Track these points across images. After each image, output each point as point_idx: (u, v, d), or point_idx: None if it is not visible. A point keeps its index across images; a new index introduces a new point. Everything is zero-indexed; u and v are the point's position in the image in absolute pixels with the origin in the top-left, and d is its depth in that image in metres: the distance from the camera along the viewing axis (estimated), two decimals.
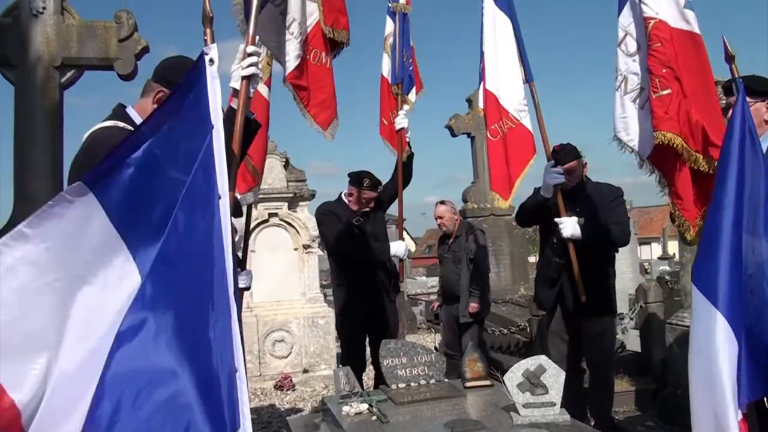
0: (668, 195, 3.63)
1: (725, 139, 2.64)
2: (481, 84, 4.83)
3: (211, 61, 2.03)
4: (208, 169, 1.91)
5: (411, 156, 5.31)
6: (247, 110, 2.88)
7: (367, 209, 5.30)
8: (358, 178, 5.22)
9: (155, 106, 2.61)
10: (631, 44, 3.71)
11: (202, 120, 1.94)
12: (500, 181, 4.81)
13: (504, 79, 4.75)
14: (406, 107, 5.25)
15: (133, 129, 2.51)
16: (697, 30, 3.46)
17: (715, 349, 2.39)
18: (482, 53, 4.79)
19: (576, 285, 4.47)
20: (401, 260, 5.36)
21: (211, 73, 2.01)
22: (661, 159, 3.59)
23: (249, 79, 2.83)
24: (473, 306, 6.24)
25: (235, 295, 1.91)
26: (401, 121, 5.14)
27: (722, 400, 2.33)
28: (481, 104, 4.97)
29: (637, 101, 3.69)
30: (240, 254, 4.75)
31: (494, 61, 4.76)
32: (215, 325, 1.82)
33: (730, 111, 2.81)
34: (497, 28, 4.76)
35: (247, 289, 4.08)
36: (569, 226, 4.35)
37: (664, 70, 3.43)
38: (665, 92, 3.42)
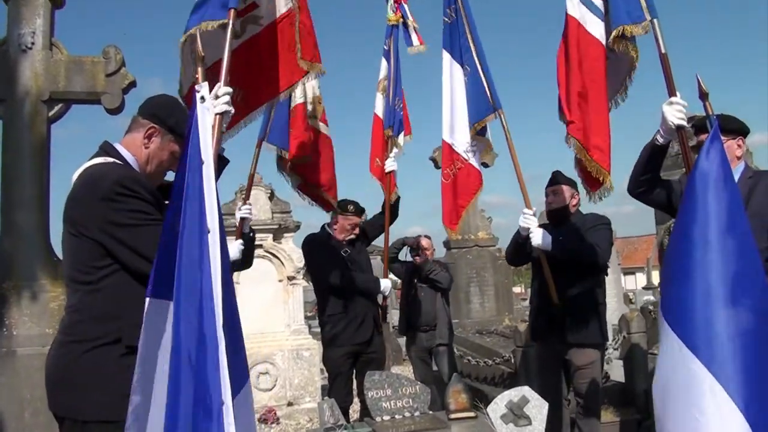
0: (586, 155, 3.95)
1: (695, 176, 2.70)
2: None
3: (203, 98, 2.08)
4: (197, 203, 1.95)
5: (398, 199, 5.53)
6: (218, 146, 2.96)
7: (352, 236, 5.36)
8: (342, 205, 5.38)
9: (146, 141, 2.63)
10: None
11: (193, 155, 1.99)
12: (448, 215, 5.15)
13: (458, 127, 5.10)
14: (395, 150, 5.46)
15: (121, 162, 2.55)
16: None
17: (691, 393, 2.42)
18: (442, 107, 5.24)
19: (553, 303, 4.52)
20: (385, 297, 5.45)
21: (202, 109, 2.06)
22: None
23: (222, 116, 2.89)
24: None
25: (227, 326, 1.94)
26: (391, 165, 5.35)
27: None
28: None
29: None
30: None
31: (450, 114, 5.16)
32: (203, 359, 1.85)
33: (702, 149, 2.87)
34: (454, 81, 5.11)
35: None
36: (537, 235, 4.39)
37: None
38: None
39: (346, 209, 5.38)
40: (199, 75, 2.25)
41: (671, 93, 3.19)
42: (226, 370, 1.87)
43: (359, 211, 5.44)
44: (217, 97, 2.82)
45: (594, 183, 4.01)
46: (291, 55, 3.92)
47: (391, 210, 5.40)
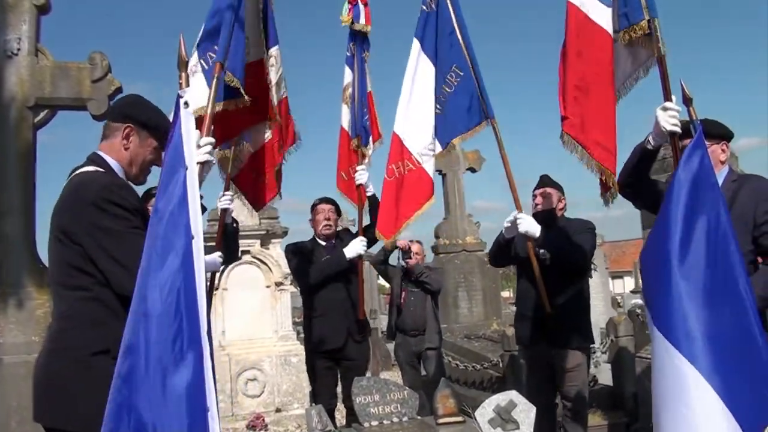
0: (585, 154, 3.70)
1: (675, 180, 2.72)
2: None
3: (186, 104, 2.08)
4: (181, 209, 1.95)
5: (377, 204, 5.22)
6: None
7: (333, 228, 5.32)
8: (313, 204, 5.41)
9: (124, 142, 2.63)
10: None
11: (177, 161, 1.99)
12: (385, 220, 4.79)
13: (413, 122, 4.78)
14: (365, 161, 5.16)
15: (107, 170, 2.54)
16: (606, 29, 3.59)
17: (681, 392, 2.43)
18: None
19: (546, 313, 4.48)
20: (361, 257, 5.19)
21: (186, 114, 2.06)
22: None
23: (203, 165, 2.92)
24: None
25: (208, 335, 1.93)
26: (361, 176, 5.05)
27: None
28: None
29: None
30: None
31: (406, 105, 4.81)
32: (187, 364, 1.84)
33: (685, 152, 2.89)
34: (417, 72, 4.80)
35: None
36: (526, 221, 4.34)
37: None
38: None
39: (314, 204, 5.39)
40: (183, 80, 2.25)
41: (666, 97, 3.13)
42: (210, 376, 1.87)
43: (329, 200, 5.39)
44: (198, 146, 2.85)
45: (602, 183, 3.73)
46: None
47: (375, 206, 5.23)
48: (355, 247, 5.04)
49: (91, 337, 2.39)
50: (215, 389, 1.94)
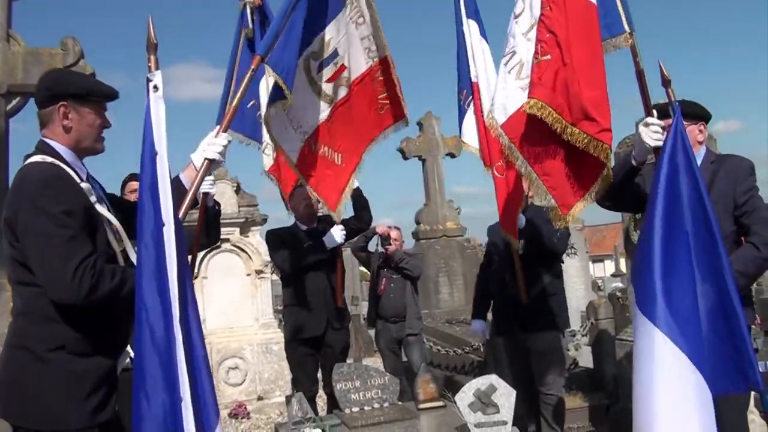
0: (527, 167, 3.47)
1: (661, 158, 2.73)
2: (468, 117, 4.71)
3: (156, 87, 2.03)
4: (152, 195, 1.90)
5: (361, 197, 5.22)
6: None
7: (313, 211, 5.26)
8: (293, 187, 5.26)
9: (65, 122, 2.50)
10: (525, 21, 3.60)
11: (147, 147, 1.94)
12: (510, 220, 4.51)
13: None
14: None
15: (59, 160, 2.45)
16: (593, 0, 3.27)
17: (656, 367, 2.46)
18: (470, 82, 4.64)
19: (520, 296, 4.58)
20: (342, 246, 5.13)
21: (155, 99, 2.01)
22: (526, 128, 3.45)
23: (211, 162, 2.89)
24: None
25: (182, 321, 1.89)
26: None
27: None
28: (467, 138, 4.79)
29: (508, 66, 3.61)
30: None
31: (487, 90, 4.49)
32: (159, 353, 1.80)
33: (666, 133, 2.89)
34: (485, 54, 4.62)
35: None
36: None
37: (547, 35, 3.29)
38: (545, 58, 3.29)
39: (293, 188, 5.19)
40: (152, 63, 2.19)
41: (647, 112, 3.07)
42: (184, 365, 1.83)
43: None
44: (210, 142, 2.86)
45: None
46: (372, 112, 4.21)
47: (358, 198, 5.20)
48: (334, 236, 4.99)
49: (47, 333, 2.34)
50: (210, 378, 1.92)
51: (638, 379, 2.60)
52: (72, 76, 2.64)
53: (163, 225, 1.87)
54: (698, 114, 3.49)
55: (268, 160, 4.64)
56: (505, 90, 3.57)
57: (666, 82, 3.01)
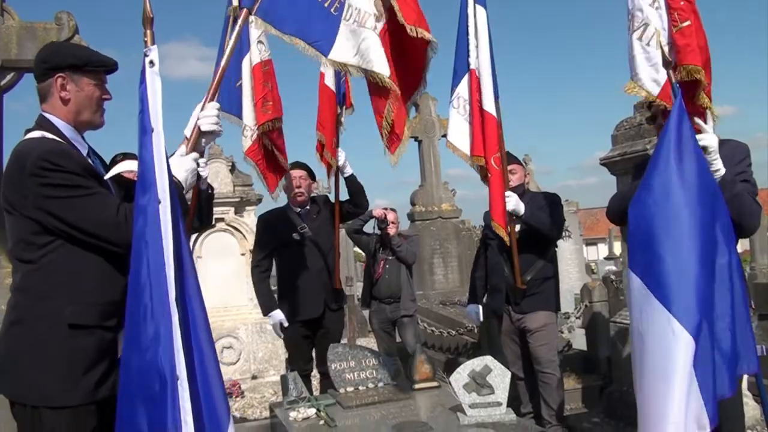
0: None
1: (662, 138, 2.71)
2: (474, 105, 4.46)
3: (152, 63, 1.99)
4: (147, 172, 1.87)
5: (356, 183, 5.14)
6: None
7: (306, 194, 5.19)
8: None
9: (63, 94, 2.47)
10: None
11: (144, 124, 1.91)
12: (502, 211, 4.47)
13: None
14: (341, 129, 4.96)
15: (58, 136, 2.43)
16: None
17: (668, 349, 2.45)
18: (467, 69, 4.48)
19: (516, 281, 4.64)
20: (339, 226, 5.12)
21: (151, 74, 1.97)
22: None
23: (208, 134, 2.79)
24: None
25: (183, 301, 1.87)
26: (339, 158, 4.91)
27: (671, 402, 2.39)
28: (454, 138, 4.57)
29: (643, 39, 3.47)
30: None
31: (488, 80, 4.38)
32: (154, 332, 1.78)
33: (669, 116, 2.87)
34: (486, 44, 4.41)
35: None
36: (513, 200, 4.45)
37: (682, 2, 3.30)
38: (685, 24, 3.28)
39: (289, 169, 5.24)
40: (148, 38, 2.15)
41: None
42: (180, 343, 1.81)
43: (301, 165, 5.23)
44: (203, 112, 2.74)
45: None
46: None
47: (353, 184, 5.13)
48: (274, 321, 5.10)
49: (44, 308, 2.33)
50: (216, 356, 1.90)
51: (646, 361, 2.57)
52: (69, 47, 2.61)
53: (159, 202, 1.85)
54: None
55: (246, 142, 4.52)
56: (650, 61, 3.40)
57: (666, 64, 3.01)
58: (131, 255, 1.95)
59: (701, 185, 2.61)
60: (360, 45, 3.55)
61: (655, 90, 3.37)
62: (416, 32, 3.61)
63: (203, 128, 2.70)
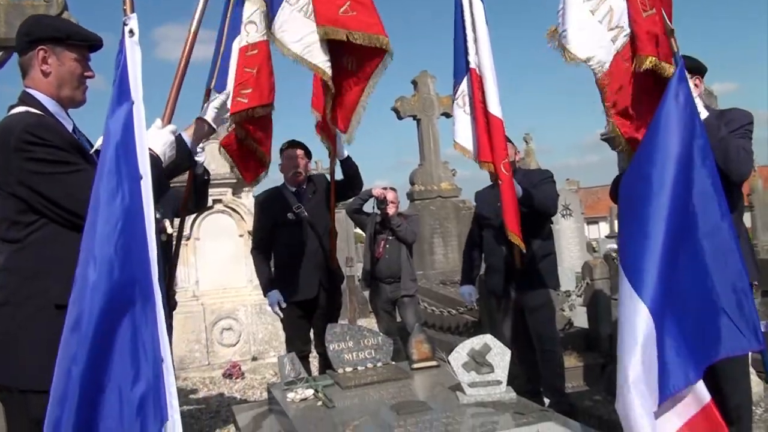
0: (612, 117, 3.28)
1: (661, 109, 2.62)
2: (460, 115, 4.37)
3: (131, 32, 1.91)
4: (128, 146, 1.79)
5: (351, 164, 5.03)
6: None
7: (302, 174, 5.13)
8: (281, 146, 5.19)
9: (44, 67, 2.41)
10: None
11: (122, 95, 1.82)
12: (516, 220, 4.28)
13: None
14: None
15: (42, 111, 2.36)
16: None
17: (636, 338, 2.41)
18: (467, 69, 4.25)
19: (515, 260, 4.59)
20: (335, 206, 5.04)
21: (131, 44, 1.89)
22: (619, 81, 3.27)
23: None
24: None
25: (161, 281, 1.80)
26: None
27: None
28: (460, 138, 4.40)
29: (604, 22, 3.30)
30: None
31: (491, 79, 4.12)
32: (139, 312, 1.72)
33: (669, 85, 2.79)
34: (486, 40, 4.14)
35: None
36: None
37: None
38: (650, 12, 3.15)
39: (282, 148, 5.16)
40: (127, 6, 2.06)
41: None
42: (163, 325, 1.75)
43: (297, 144, 5.16)
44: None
45: None
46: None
47: (348, 165, 5.00)
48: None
49: (31, 289, 2.27)
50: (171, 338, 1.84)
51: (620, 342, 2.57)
52: (52, 20, 2.55)
53: (141, 178, 1.77)
54: (693, 67, 3.39)
55: (222, 131, 4.38)
56: (598, 39, 3.26)
57: (669, 32, 2.92)
58: (113, 233, 1.87)
59: (680, 163, 2.53)
60: (305, 37, 3.56)
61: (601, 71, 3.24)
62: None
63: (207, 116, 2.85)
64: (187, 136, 2.80)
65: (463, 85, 4.30)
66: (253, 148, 4.36)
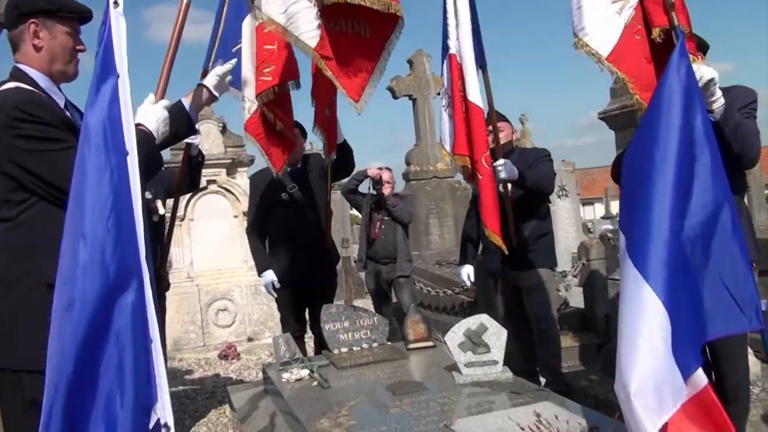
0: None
1: (660, 87, 2.56)
2: (456, 94, 3.95)
3: (116, 2, 1.85)
4: (114, 121, 1.74)
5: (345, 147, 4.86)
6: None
7: (299, 156, 5.06)
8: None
9: (35, 41, 2.35)
10: None
11: (107, 68, 1.77)
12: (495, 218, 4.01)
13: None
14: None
15: (33, 87, 2.31)
16: None
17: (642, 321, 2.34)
18: (447, 53, 3.98)
19: (512, 240, 4.52)
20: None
21: (116, 16, 1.83)
22: (633, 56, 3.11)
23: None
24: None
25: (149, 260, 1.75)
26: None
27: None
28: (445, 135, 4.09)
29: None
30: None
31: (471, 65, 3.84)
32: (126, 292, 1.67)
33: (670, 60, 2.73)
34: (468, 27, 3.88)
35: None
36: (507, 167, 4.24)
37: None
38: None
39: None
40: None
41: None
42: (151, 305, 1.70)
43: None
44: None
45: None
46: None
47: (342, 148, 4.80)
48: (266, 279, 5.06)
49: (23, 267, 2.23)
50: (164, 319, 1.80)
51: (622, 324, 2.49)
52: None
53: (127, 154, 1.72)
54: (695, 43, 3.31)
55: (245, 114, 4.21)
56: (604, 16, 3.09)
57: (670, 6, 2.85)
58: (103, 211, 1.82)
59: (682, 140, 2.46)
60: (289, 7, 3.41)
61: (606, 51, 3.06)
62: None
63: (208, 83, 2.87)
64: (187, 102, 2.76)
65: (444, 79, 4.05)
66: (282, 129, 4.22)
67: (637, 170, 2.48)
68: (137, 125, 2.35)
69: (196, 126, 3.42)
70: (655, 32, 2.96)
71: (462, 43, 3.83)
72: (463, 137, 3.87)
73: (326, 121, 4.39)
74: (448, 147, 4.03)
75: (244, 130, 4.31)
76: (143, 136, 2.32)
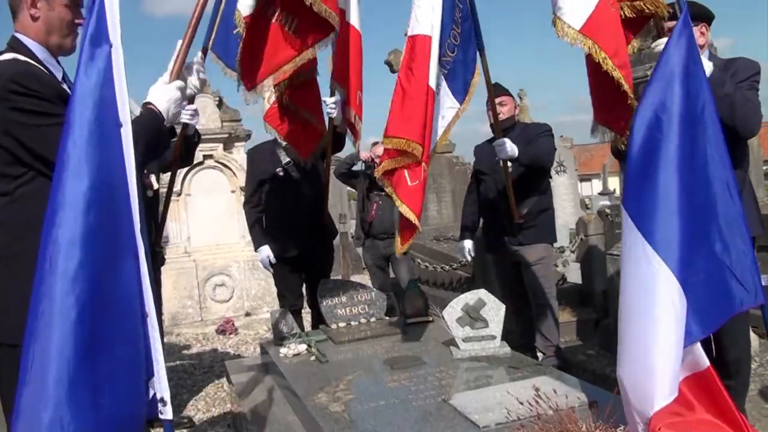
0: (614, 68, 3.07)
1: (665, 55, 2.52)
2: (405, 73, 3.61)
3: None
4: (107, 93, 1.70)
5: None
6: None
7: None
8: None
9: (33, 11, 2.31)
10: None
11: (99, 37, 1.72)
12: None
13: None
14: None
15: (31, 58, 2.26)
16: None
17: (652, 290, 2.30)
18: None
19: (513, 215, 4.52)
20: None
21: None
22: (609, 27, 3.10)
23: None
24: None
25: (144, 234, 1.72)
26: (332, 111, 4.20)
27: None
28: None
29: None
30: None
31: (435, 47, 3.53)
32: (121, 267, 1.65)
33: (672, 33, 2.68)
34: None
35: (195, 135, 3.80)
36: (507, 146, 4.22)
37: None
38: None
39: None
40: None
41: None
42: (147, 279, 1.68)
43: None
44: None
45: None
46: None
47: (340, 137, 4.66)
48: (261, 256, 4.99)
49: (20, 243, 2.20)
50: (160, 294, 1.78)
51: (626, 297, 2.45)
52: None
53: (121, 126, 1.69)
54: (699, 14, 3.25)
55: (265, 105, 4.29)
56: None
57: None
58: (96, 181, 1.79)
59: (685, 111, 2.42)
60: None
61: (579, 23, 3.03)
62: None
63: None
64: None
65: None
66: (306, 118, 4.21)
67: (644, 141, 2.44)
68: (146, 104, 2.32)
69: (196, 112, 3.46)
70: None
71: (433, 23, 3.54)
72: (419, 130, 3.54)
73: (360, 106, 4.19)
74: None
75: (264, 122, 4.36)
76: (151, 114, 2.29)
